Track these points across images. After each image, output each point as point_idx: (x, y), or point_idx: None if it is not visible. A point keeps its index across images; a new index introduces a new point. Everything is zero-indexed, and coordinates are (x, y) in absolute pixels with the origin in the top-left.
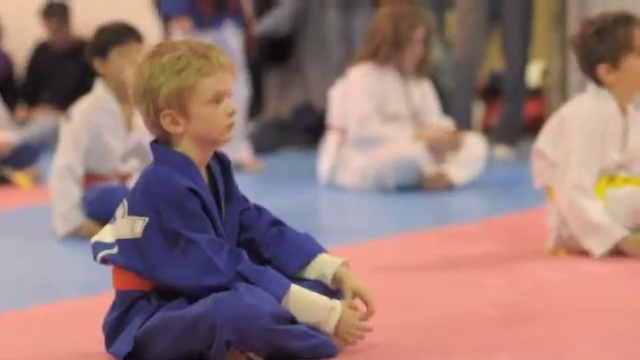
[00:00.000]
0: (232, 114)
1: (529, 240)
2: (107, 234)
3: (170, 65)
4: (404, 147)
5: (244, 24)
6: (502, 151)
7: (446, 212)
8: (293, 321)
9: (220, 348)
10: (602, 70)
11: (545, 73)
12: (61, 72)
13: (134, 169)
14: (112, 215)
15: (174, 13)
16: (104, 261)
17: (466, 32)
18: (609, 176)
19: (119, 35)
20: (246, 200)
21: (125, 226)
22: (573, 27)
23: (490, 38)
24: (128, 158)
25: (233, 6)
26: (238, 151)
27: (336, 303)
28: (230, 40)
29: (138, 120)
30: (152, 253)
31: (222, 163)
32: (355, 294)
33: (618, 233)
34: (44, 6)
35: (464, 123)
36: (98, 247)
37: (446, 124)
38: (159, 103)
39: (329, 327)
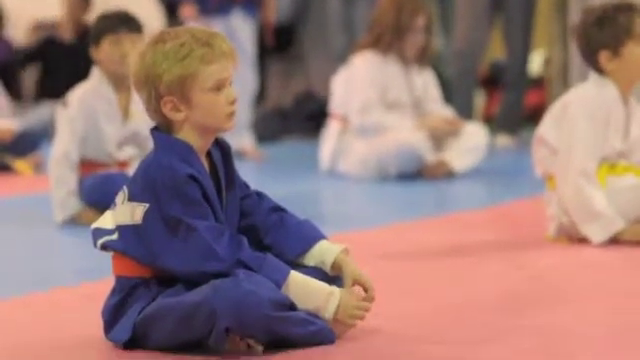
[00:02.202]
0: (233, 102)
1: (530, 228)
2: (107, 220)
3: (173, 52)
4: (406, 135)
5: (257, 12)
6: (503, 140)
7: (447, 200)
8: (292, 307)
9: (219, 335)
10: (603, 57)
11: (547, 62)
12: (69, 63)
13: (131, 157)
14: (111, 202)
15: None
16: (104, 247)
17: (468, 21)
18: (610, 164)
19: (112, 24)
20: (247, 186)
21: (125, 212)
22: (575, 16)
23: (492, 27)
24: (124, 145)
25: None
26: (241, 139)
27: (335, 289)
28: (239, 28)
29: (135, 108)
30: (152, 239)
31: (222, 149)
32: (355, 281)
33: (619, 224)
34: None
35: (465, 112)
36: (98, 233)
37: (447, 113)
38: (161, 90)
39: (328, 313)
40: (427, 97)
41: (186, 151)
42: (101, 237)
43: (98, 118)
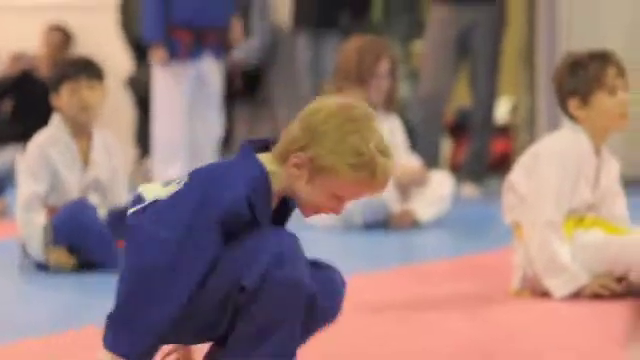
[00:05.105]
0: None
1: (494, 280)
2: (153, 190)
3: (350, 149)
4: None
5: (225, 56)
6: (468, 189)
7: (412, 250)
8: None
9: None
10: (572, 105)
11: (513, 110)
12: (43, 100)
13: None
14: (82, 241)
15: (150, 41)
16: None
17: (433, 67)
18: (578, 216)
19: (70, 71)
20: None
21: (168, 191)
22: (541, 64)
23: (458, 73)
24: (86, 193)
25: (213, 37)
26: None
27: None
28: (210, 72)
29: (95, 155)
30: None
31: (286, 207)
32: None
33: (582, 279)
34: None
35: (431, 159)
36: (136, 201)
37: (412, 161)
38: (306, 152)
39: None
40: (393, 144)
41: (262, 182)
42: (135, 206)
43: (58, 166)
